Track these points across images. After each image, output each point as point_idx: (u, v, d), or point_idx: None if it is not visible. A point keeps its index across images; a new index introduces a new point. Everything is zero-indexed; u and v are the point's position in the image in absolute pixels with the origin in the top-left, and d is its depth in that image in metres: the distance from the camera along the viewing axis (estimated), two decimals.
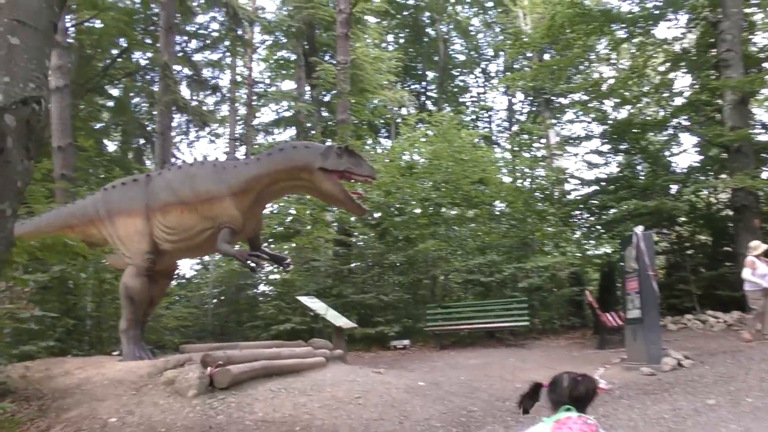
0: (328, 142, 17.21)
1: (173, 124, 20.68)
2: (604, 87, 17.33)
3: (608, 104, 18.09)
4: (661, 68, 18.19)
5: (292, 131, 27.07)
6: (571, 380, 2.59)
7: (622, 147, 17.40)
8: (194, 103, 22.32)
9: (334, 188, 8.02)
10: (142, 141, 23.10)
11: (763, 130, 16.21)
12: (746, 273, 10.84)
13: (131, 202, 8.45)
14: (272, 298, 15.56)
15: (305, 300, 11.83)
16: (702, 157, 16.95)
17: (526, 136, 22.70)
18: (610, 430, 5.85)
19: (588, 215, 17.55)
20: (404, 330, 14.50)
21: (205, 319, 16.62)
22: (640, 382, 8.22)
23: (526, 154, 22.75)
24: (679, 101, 17.13)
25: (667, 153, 17.63)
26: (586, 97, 18.43)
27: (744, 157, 14.79)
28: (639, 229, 9.95)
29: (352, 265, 16.45)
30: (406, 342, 13.91)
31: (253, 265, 8.23)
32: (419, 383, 8.65)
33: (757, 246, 11.03)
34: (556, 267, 15.29)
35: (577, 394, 2.55)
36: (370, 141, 25.86)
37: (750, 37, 17.81)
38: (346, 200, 8.20)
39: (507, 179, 21.17)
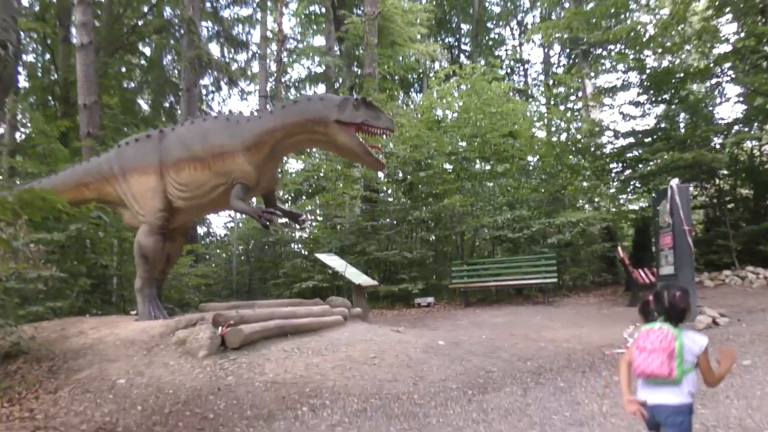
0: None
1: (203, 82, 20.51)
2: (644, 35, 16.48)
3: (647, 53, 17.22)
4: (705, 14, 17.18)
5: (322, 87, 26.74)
6: (669, 296, 3.00)
7: (661, 97, 16.59)
8: (224, 60, 22.10)
9: (351, 141, 7.73)
10: (172, 99, 23.01)
11: None
12: None
13: (145, 158, 8.29)
14: (295, 255, 15.44)
15: (324, 257, 11.66)
16: (746, 107, 16.04)
17: (562, 89, 21.93)
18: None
19: (623, 169, 16.90)
20: (429, 287, 14.29)
21: (229, 277, 16.66)
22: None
23: (561, 107, 22.00)
24: (723, 49, 16.20)
25: (708, 103, 16.77)
26: (623, 47, 17.60)
27: None
28: (674, 182, 9.46)
29: (377, 222, 16.20)
30: (431, 300, 13.71)
31: (266, 222, 8.02)
32: (439, 342, 8.45)
33: None
34: (588, 222, 14.77)
35: (668, 307, 2.98)
36: (401, 95, 25.38)
37: None
38: (362, 154, 7.90)
39: (541, 133, 20.56)
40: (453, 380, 6.53)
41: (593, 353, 7.47)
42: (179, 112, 22.33)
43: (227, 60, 23.39)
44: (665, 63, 16.55)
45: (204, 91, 23.66)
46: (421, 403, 5.79)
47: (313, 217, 17.79)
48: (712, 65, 15.64)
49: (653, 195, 10.80)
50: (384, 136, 8.53)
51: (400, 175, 17.09)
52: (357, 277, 11.08)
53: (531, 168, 18.05)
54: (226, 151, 7.98)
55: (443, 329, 10.23)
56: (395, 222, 16.30)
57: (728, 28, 17.55)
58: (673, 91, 16.15)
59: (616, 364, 7.16)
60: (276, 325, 7.66)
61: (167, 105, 23.06)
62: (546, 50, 30.35)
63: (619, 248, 12.68)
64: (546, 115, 21.70)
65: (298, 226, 9.39)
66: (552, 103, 22.81)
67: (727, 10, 16.67)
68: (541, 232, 14.81)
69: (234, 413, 5.53)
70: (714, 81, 16.71)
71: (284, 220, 9.99)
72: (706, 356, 2.94)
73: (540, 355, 7.61)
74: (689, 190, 9.75)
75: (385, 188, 17.09)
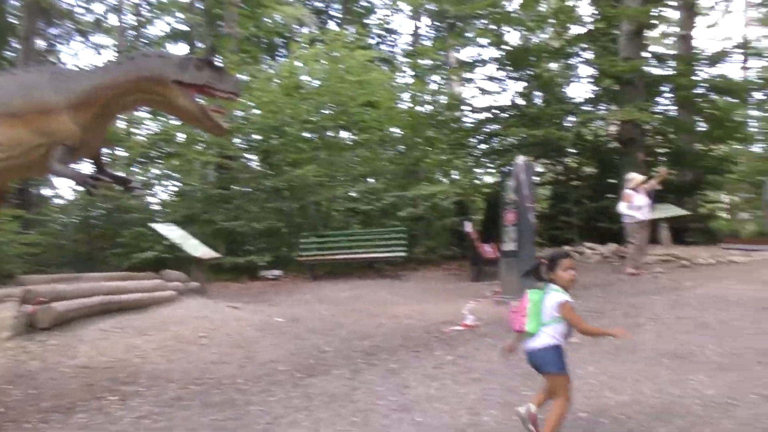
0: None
1: (53, 32, 18.53)
2: (508, 9, 16.77)
3: (507, 29, 17.61)
4: None
5: (184, 47, 25.08)
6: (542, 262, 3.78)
7: (518, 74, 17.03)
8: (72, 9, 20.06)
9: (190, 104, 6.98)
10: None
11: (656, 63, 16.16)
12: (621, 206, 10.86)
13: None
14: (137, 223, 14.37)
15: (161, 228, 10.88)
16: (595, 88, 16.87)
17: (429, 62, 21.98)
18: (470, 372, 5.49)
19: (479, 143, 17.26)
20: (277, 260, 13.84)
21: (64, 246, 15.29)
22: (508, 319, 7.98)
23: (428, 80, 22.08)
24: (578, 30, 16.87)
25: (562, 83, 17.46)
26: (487, 23, 17.84)
27: (634, 89, 14.77)
28: (520, 159, 9.60)
29: (227, 190, 15.45)
30: (278, 272, 13.29)
31: (92, 188, 7.19)
32: (277, 319, 8.08)
33: (633, 178, 11.03)
34: (440, 196, 14.93)
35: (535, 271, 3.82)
36: (267, 60, 24.34)
37: None
38: (202, 118, 7.18)
39: (407, 105, 20.49)
40: (283, 362, 6.19)
41: (431, 330, 7.42)
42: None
43: (81, 9, 21.33)
44: (524, 41, 17.01)
45: (53, 43, 21.49)
46: (244, 388, 5.39)
47: (158, 183, 16.73)
48: (566, 45, 16.25)
49: (501, 171, 10.97)
50: (229, 100, 7.90)
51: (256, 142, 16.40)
52: (196, 249, 10.43)
53: (389, 140, 17.96)
54: (50, 109, 7.01)
55: (285, 304, 9.87)
56: (249, 190, 15.64)
57: (586, 10, 18.36)
58: (529, 68, 16.62)
59: (452, 342, 7.24)
60: (99, 302, 7.01)
61: (7, 54, 20.63)
62: (416, 22, 30.29)
63: (468, 223, 12.87)
64: (410, 86, 21.69)
65: (129, 192, 8.57)
66: (415, 74, 22.83)
67: None
68: (394, 205, 14.77)
69: (30, 405, 4.84)
70: (568, 61, 17.39)
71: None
72: (565, 310, 3.59)
73: (378, 332, 7.46)
74: (533, 167, 9.93)
75: (240, 155, 16.29)
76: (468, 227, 12.60)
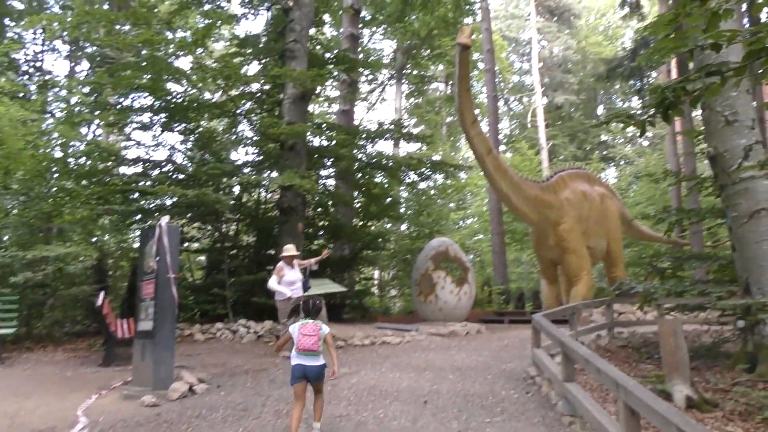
0: None
1: None
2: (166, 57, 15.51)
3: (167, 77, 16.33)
4: (228, 47, 17.33)
5: None
6: (311, 303, 5.75)
7: (175, 127, 15.83)
8: None
9: None
10: None
11: (319, 131, 16.43)
12: (271, 281, 10.25)
13: None
14: None
15: None
16: (259, 150, 16.47)
17: (75, 100, 19.37)
18: None
19: (129, 201, 15.42)
20: None
21: None
22: (135, 419, 6.49)
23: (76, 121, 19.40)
24: (247, 86, 16.40)
25: (224, 142, 16.75)
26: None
27: (297, 156, 14.67)
28: (164, 221, 8.33)
29: None
30: None
31: None
32: None
33: (287, 250, 10.54)
34: (74, 258, 12.73)
35: (312, 310, 5.70)
36: None
37: (319, 35, 18.20)
38: None
39: (43, 148, 17.61)
40: None
41: None
42: None
43: None
44: (183, 91, 15.82)
45: None
46: None
47: None
48: (230, 103, 15.59)
49: (141, 234, 9.52)
50: None
51: None
52: None
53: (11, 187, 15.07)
54: None
55: None
56: None
57: (254, 68, 18.08)
58: (188, 122, 15.58)
59: None
60: None
61: None
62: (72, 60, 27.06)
63: (101, 293, 10.99)
64: (56, 128, 18.82)
65: None
66: (66, 115, 20.00)
67: (249, 50, 17.08)
68: (7, 267, 12.12)
69: None
70: (232, 119, 16.80)
71: None
72: (329, 338, 5.60)
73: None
74: (179, 230, 8.73)
75: None
76: (100, 299, 10.71)
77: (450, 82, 33.75)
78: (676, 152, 26.84)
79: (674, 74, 26.43)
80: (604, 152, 38.90)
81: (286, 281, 10.27)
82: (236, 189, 15.76)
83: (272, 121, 14.06)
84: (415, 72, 31.87)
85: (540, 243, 16.56)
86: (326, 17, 19.89)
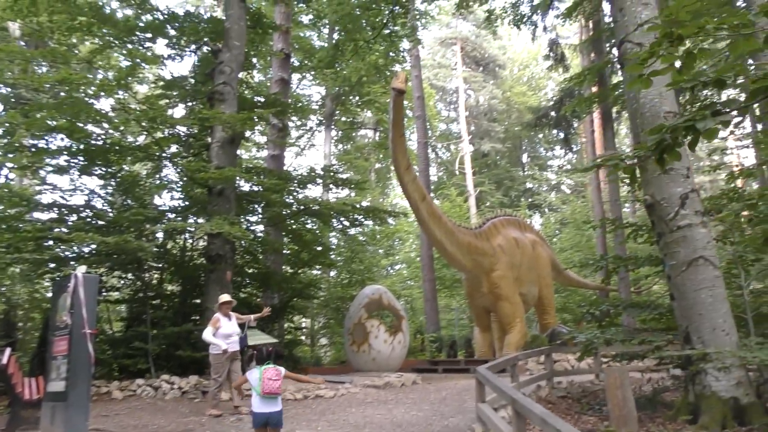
0: None
1: None
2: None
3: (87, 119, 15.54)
4: (153, 89, 16.72)
5: None
6: (272, 350, 5.97)
7: (94, 171, 15.00)
8: None
9: None
10: None
11: (248, 176, 15.89)
12: (206, 333, 9.65)
13: None
14: None
15: None
16: (184, 195, 15.79)
17: None
18: None
19: (40, 248, 14.40)
20: None
21: None
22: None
23: None
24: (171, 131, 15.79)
25: (147, 186, 16.00)
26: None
27: (225, 202, 14.12)
28: (80, 271, 7.66)
29: None
30: None
31: None
32: None
33: (223, 299, 10.00)
34: None
35: (265, 357, 5.84)
36: None
37: (249, 78, 17.82)
38: None
39: None
40: None
41: None
42: None
43: None
44: (104, 133, 15.04)
45: None
46: None
47: None
48: (154, 145, 14.94)
49: (53, 286, 8.77)
50: None
51: None
52: None
53: None
54: None
55: None
56: None
57: (180, 111, 17.49)
58: (109, 166, 14.83)
59: None
60: None
61: None
62: None
63: (7, 350, 10.03)
64: None
65: None
66: None
67: (176, 93, 16.56)
68: None
69: None
70: (157, 163, 16.12)
71: None
72: (289, 374, 6.08)
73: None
74: (96, 281, 8.04)
75: None
76: (5, 357, 9.76)
77: (379, 129, 33.84)
78: (600, 199, 27.50)
79: (596, 124, 27.36)
80: (530, 199, 39.63)
81: (222, 333, 9.67)
82: (160, 235, 14.99)
83: (200, 164, 13.47)
84: (344, 118, 31.85)
85: (473, 290, 16.43)
86: (255, 61, 19.47)
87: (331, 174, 17.46)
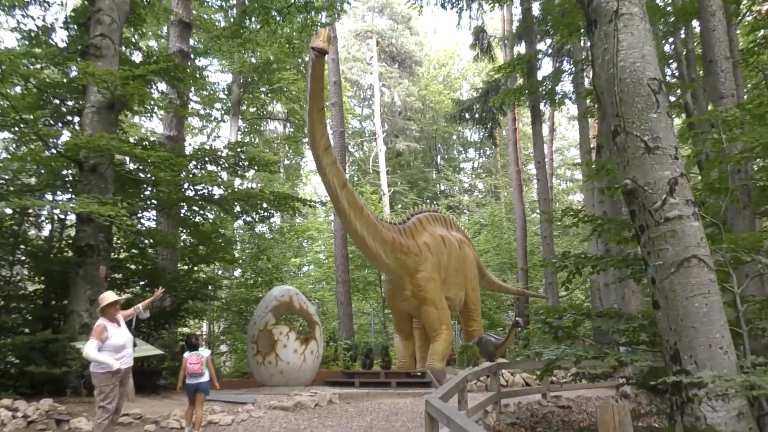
0: None
1: None
2: None
3: None
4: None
5: None
6: (193, 339, 8.15)
7: None
8: None
9: None
10: None
11: (132, 146, 12.87)
12: (88, 348, 6.56)
13: None
14: None
15: None
16: (45, 170, 12.57)
17: None
18: None
19: None
20: None
21: None
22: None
23: None
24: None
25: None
26: None
27: (100, 179, 11.26)
28: None
29: None
30: None
31: None
32: None
33: (106, 297, 6.95)
34: None
35: (194, 344, 7.99)
36: None
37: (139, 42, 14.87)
38: None
39: None
40: None
41: None
42: None
43: None
44: None
45: None
46: None
47: None
48: (10, 110, 11.84)
49: None
50: None
51: None
52: None
53: None
54: None
55: None
56: None
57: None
58: None
59: None
60: None
61: None
62: None
63: None
64: None
65: None
66: None
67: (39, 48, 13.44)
68: None
69: None
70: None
71: None
72: (209, 359, 7.96)
73: None
74: None
75: None
76: None
77: (290, 121, 31.16)
78: (521, 200, 26.08)
79: (517, 121, 25.93)
80: (447, 201, 37.95)
81: (113, 345, 6.60)
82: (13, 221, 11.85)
83: (58, 132, 10.43)
84: (252, 108, 29.06)
85: (395, 293, 14.20)
86: (147, 21, 16.10)
87: (237, 151, 14.62)
